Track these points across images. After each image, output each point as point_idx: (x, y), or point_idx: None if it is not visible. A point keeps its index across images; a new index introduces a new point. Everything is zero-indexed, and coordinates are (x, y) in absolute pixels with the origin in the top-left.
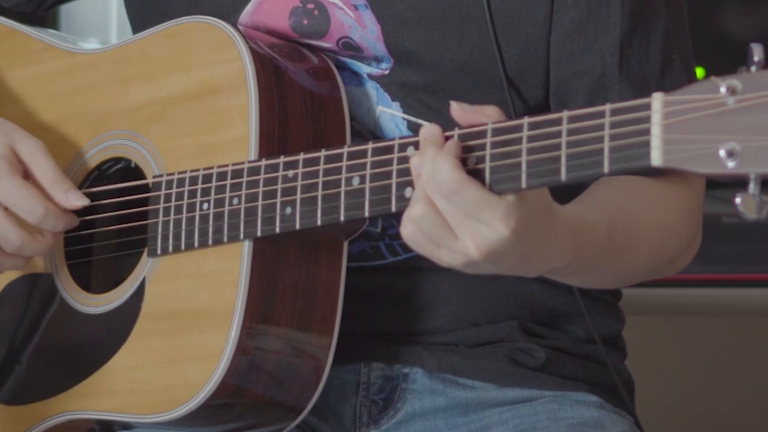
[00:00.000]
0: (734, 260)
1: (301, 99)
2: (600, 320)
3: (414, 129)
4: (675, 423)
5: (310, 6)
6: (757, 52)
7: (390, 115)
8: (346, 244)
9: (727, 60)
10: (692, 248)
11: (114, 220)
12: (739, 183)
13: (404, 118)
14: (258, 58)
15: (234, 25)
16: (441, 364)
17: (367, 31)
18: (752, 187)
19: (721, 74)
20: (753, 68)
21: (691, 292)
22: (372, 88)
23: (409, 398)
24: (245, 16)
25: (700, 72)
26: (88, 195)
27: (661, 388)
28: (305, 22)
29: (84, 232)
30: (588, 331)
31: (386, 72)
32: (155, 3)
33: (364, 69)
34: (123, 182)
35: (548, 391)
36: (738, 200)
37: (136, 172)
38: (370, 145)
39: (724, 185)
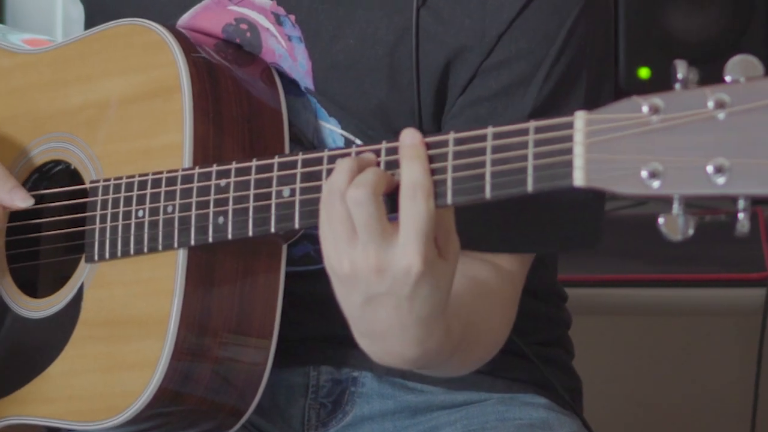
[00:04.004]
0: (679, 260)
1: (237, 103)
2: (546, 321)
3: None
4: (622, 423)
5: (244, 26)
6: (680, 70)
7: (329, 129)
8: (285, 248)
9: (673, 61)
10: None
11: (54, 225)
12: None
13: (342, 135)
14: (192, 62)
15: (171, 27)
16: (390, 368)
17: (297, 64)
18: (676, 207)
19: (666, 75)
20: (677, 86)
21: (638, 292)
22: (311, 100)
23: (358, 401)
24: (184, 19)
25: (646, 72)
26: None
27: (609, 389)
28: (237, 40)
29: (25, 235)
30: (537, 333)
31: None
32: (103, 5)
33: (301, 83)
34: (63, 185)
35: (497, 394)
36: (661, 221)
37: (76, 175)
38: (300, 156)
39: None
